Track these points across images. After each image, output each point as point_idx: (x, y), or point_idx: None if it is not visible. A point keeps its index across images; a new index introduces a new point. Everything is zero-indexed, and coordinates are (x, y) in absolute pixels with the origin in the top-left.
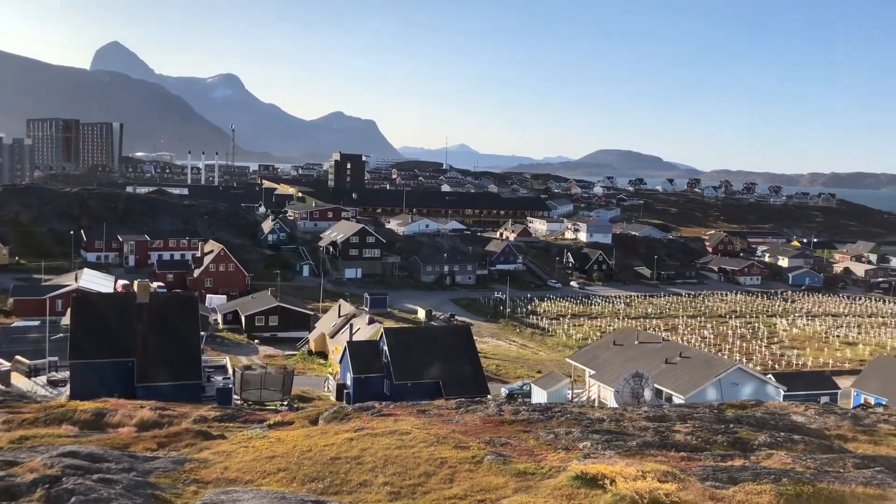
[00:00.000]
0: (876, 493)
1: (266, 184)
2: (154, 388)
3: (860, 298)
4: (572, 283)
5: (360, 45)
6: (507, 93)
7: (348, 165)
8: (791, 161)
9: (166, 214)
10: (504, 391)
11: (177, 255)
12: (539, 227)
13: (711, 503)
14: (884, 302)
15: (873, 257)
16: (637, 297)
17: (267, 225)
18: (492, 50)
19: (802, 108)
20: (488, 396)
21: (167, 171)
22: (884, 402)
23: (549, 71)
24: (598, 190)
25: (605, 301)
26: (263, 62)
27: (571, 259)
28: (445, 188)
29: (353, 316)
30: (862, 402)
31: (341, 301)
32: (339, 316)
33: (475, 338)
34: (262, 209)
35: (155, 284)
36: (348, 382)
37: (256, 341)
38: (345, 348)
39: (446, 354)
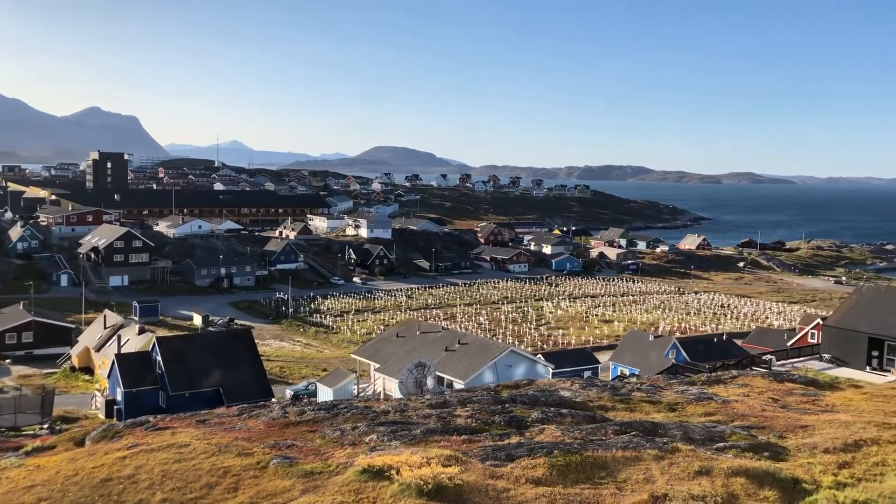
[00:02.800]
0: (633, 456)
1: (12, 186)
2: None
3: (613, 280)
4: (355, 278)
5: (117, 34)
6: (281, 89)
7: (109, 165)
8: (551, 156)
9: None
10: (289, 393)
11: None
12: (320, 224)
13: (492, 481)
14: (633, 282)
15: (623, 242)
16: (418, 289)
17: (15, 232)
18: (262, 44)
19: (558, 107)
20: (272, 400)
21: None
22: (636, 372)
23: (322, 67)
24: (376, 186)
25: (388, 295)
26: (2, 52)
27: (353, 255)
28: (219, 187)
29: (122, 326)
30: (619, 373)
31: (107, 311)
32: (105, 327)
33: (257, 341)
34: (8, 214)
35: None
36: (119, 398)
37: (8, 361)
38: (113, 362)
39: (226, 360)
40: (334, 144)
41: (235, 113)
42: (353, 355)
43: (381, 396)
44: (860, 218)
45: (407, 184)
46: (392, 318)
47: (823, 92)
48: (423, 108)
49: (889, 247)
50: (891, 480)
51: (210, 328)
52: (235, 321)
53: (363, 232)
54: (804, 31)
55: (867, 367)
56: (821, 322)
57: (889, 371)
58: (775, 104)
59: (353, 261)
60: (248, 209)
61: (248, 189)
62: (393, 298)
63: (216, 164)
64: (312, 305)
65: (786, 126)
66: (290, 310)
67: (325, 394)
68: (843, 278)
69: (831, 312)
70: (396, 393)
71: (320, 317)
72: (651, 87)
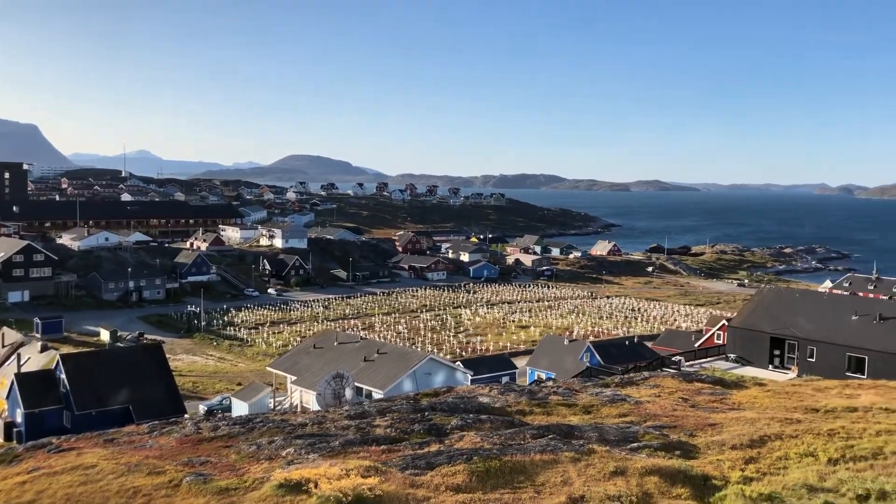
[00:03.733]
0: (550, 459)
1: None
2: None
3: (529, 286)
4: (270, 290)
5: (8, 37)
6: (190, 96)
7: (6, 175)
8: (467, 164)
9: None
10: (203, 408)
11: None
12: (232, 234)
13: (412, 490)
14: (548, 287)
15: (538, 249)
16: (335, 299)
17: None
18: (170, 50)
19: (473, 117)
20: (185, 416)
21: None
22: (553, 376)
23: (233, 75)
24: (291, 195)
25: (304, 306)
26: None
27: (268, 266)
28: (126, 197)
29: (22, 344)
30: (536, 378)
31: (5, 329)
32: (3, 346)
33: (169, 356)
34: None
35: None
36: (19, 419)
37: None
38: (12, 382)
39: (136, 377)
40: (247, 153)
41: (143, 122)
42: (268, 368)
43: (299, 409)
44: (760, 223)
45: (323, 193)
46: (309, 330)
47: (725, 105)
48: (338, 116)
49: (787, 250)
50: (793, 473)
51: (118, 344)
52: (145, 336)
53: (278, 242)
54: (706, 46)
55: (770, 366)
56: (726, 323)
57: (790, 369)
58: (680, 115)
59: (267, 272)
60: (158, 220)
61: (157, 199)
62: (309, 309)
63: (123, 175)
64: (226, 318)
65: (690, 136)
66: (203, 323)
67: (240, 408)
68: (746, 281)
69: (735, 314)
70: (314, 405)
71: (234, 330)
72: (561, 97)
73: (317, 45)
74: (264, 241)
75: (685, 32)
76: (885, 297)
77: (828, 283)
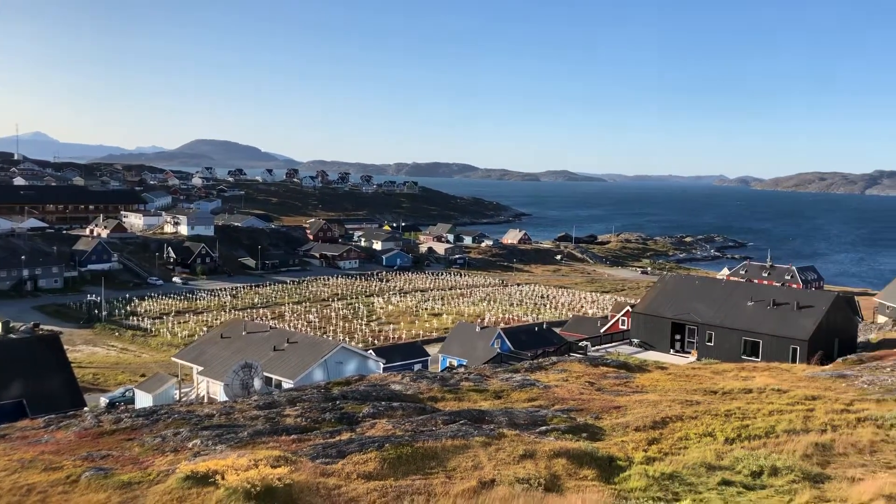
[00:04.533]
0: (461, 444)
1: None
2: None
3: (442, 274)
4: (175, 278)
5: None
6: (88, 76)
7: None
8: (380, 152)
9: None
10: (104, 401)
11: None
12: (135, 221)
13: (323, 479)
14: (461, 275)
15: (451, 237)
16: (243, 288)
17: None
18: (65, 23)
19: (387, 103)
20: (85, 409)
21: None
22: (465, 363)
23: (133, 54)
24: (197, 181)
25: (211, 295)
26: None
27: (173, 254)
28: (19, 181)
29: None
30: (448, 364)
31: None
32: None
33: (67, 347)
34: None
35: None
36: None
37: None
38: None
39: (30, 369)
40: (151, 137)
41: (37, 102)
42: (174, 359)
43: (206, 400)
44: (663, 212)
45: (230, 179)
46: (216, 319)
47: (629, 98)
48: (246, 99)
49: (688, 239)
50: (693, 452)
51: (11, 335)
52: (41, 326)
53: (183, 229)
54: (608, 44)
55: (671, 350)
56: (630, 309)
57: (690, 353)
58: (588, 107)
59: (172, 260)
60: (55, 206)
61: (54, 184)
62: (217, 298)
63: (16, 157)
64: (129, 308)
65: (597, 129)
66: (104, 313)
67: (143, 400)
68: (649, 269)
69: (639, 300)
70: (222, 396)
71: (137, 319)
72: (474, 88)
73: (223, 26)
74: (169, 229)
75: (594, 30)
76: (778, 284)
77: (725, 271)
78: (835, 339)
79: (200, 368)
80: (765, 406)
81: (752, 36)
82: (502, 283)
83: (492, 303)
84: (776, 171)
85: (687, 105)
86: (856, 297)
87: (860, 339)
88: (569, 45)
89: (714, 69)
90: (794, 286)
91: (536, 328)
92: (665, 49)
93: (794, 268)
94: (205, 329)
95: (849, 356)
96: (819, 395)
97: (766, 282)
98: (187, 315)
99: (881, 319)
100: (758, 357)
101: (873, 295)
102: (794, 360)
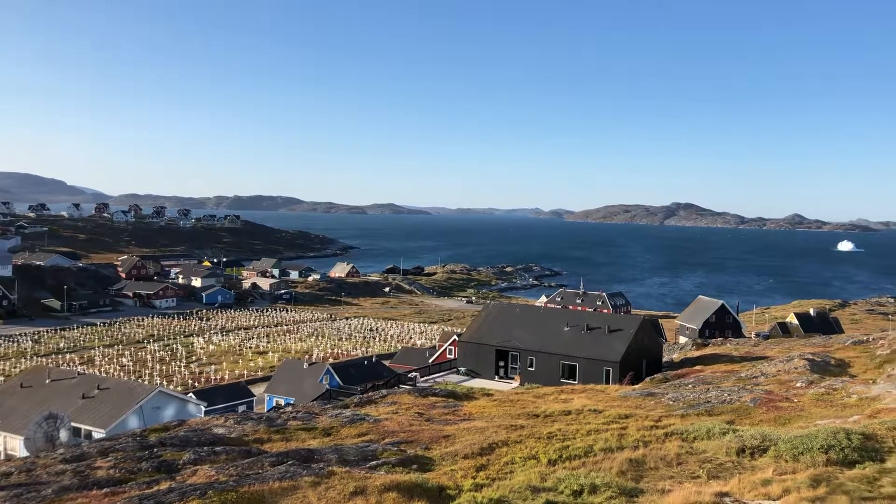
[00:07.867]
0: (290, 485)
1: None
2: None
3: (267, 310)
4: None
5: None
6: None
7: None
8: (199, 185)
9: None
10: None
11: None
12: None
13: None
14: (287, 311)
15: (276, 272)
16: (47, 332)
17: None
18: None
19: (206, 136)
20: None
21: None
22: (292, 401)
23: None
24: None
25: (10, 341)
26: None
27: None
28: None
29: None
30: (274, 404)
31: None
32: None
33: None
34: None
35: None
36: None
37: None
38: None
39: None
40: None
41: None
42: None
43: (2, 457)
44: (485, 243)
45: (31, 214)
46: (14, 367)
47: (448, 133)
48: (49, 129)
49: (509, 268)
50: (518, 476)
51: None
52: None
53: None
54: (418, 69)
55: (496, 377)
56: (456, 338)
57: (513, 378)
58: (411, 144)
59: None
60: None
61: None
62: (16, 345)
63: None
64: None
65: (416, 161)
66: None
67: None
68: (473, 298)
69: (465, 329)
70: (22, 451)
71: None
72: (299, 121)
73: (21, 44)
74: None
75: (406, 51)
76: (590, 310)
77: (543, 298)
78: (643, 359)
79: None
80: (583, 426)
81: (536, 77)
82: (331, 317)
83: (320, 338)
84: (586, 204)
85: (502, 141)
86: (659, 320)
87: (665, 358)
88: (385, 82)
89: (518, 111)
90: (605, 311)
91: (366, 362)
92: (483, 85)
93: (604, 294)
94: (1, 379)
95: (656, 375)
96: (631, 413)
97: (579, 308)
98: None
99: (682, 340)
100: (575, 380)
101: (674, 317)
102: (607, 381)
